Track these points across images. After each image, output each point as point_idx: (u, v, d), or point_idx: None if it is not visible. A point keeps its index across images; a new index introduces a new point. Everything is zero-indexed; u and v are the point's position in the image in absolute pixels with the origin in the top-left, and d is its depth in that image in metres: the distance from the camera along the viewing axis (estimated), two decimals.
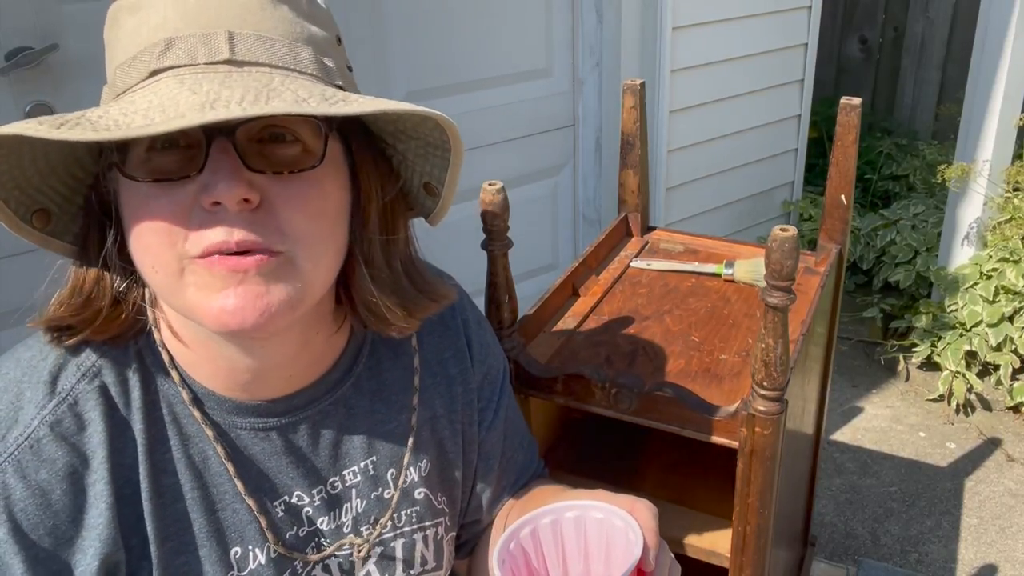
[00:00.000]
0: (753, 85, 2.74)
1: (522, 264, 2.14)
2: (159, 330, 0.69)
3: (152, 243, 0.59)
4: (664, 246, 1.44)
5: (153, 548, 0.67)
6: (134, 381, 0.68)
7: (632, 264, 1.38)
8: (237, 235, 0.58)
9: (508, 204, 1.03)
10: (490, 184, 1.00)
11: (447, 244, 2.02)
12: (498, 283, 1.08)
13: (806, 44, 2.85)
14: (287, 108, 0.54)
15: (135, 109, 0.55)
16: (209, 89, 0.55)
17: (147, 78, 0.58)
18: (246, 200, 0.58)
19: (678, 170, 2.63)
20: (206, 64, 0.58)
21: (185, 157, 0.59)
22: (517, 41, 2.24)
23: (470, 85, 2.18)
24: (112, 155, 0.60)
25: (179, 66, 0.58)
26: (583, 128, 2.46)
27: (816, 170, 3.62)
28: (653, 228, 1.49)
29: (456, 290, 0.83)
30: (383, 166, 0.71)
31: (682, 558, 1.15)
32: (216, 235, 0.58)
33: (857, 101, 1.25)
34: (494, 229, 1.04)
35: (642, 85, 1.33)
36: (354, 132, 0.67)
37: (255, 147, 0.60)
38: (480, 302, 1.01)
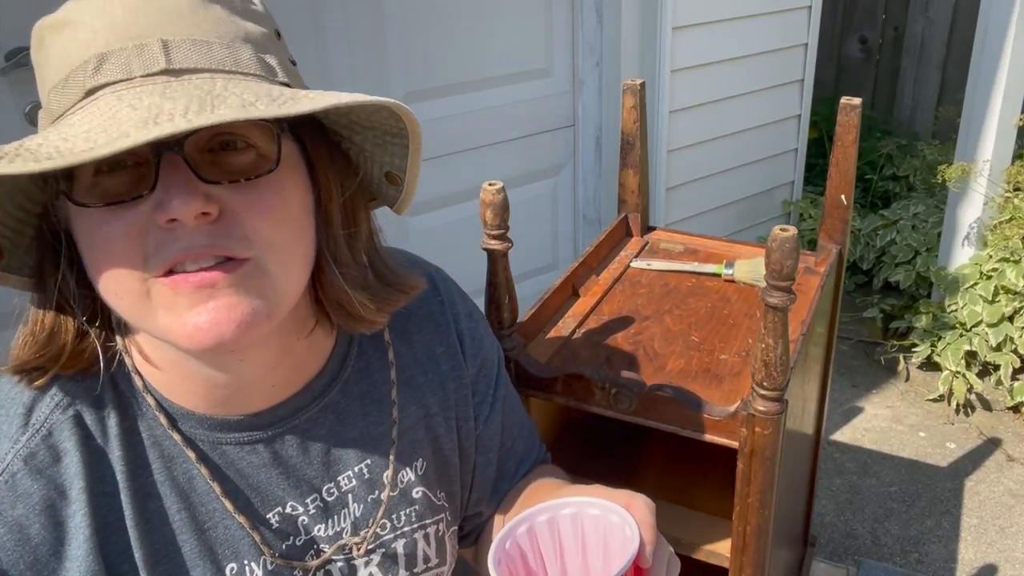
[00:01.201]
0: (753, 85, 2.74)
1: (522, 264, 2.14)
2: (130, 355, 0.67)
3: (112, 270, 0.57)
4: (664, 246, 1.44)
5: (144, 574, 0.66)
6: (109, 408, 0.66)
7: (632, 264, 1.38)
8: (198, 245, 0.56)
9: (508, 204, 1.03)
10: (490, 184, 1.00)
11: (447, 244, 2.02)
12: (498, 283, 1.07)
13: (806, 44, 2.85)
14: (234, 114, 0.51)
15: (75, 132, 0.52)
16: (150, 103, 0.52)
17: (83, 98, 0.56)
18: (204, 213, 0.56)
19: (678, 170, 2.63)
20: (143, 76, 0.55)
21: (135, 176, 0.57)
22: (517, 41, 2.24)
23: (470, 85, 2.18)
24: (59, 183, 0.58)
25: (115, 82, 0.55)
26: (583, 128, 2.46)
27: (816, 170, 3.62)
28: (653, 228, 1.49)
29: (426, 279, 0.80)
30: (340, 160, 0.68)
31: (682, 558, 1.15)
32: (175, 248, 0.56)
33: (857, 101, 1.25)
34: (494, 229, 1.04)
35: (642, 85, 1.33)
36: (307, 129, 0.65)
37: (207, 157, 0.58)
38: (480, 302, 1.01)
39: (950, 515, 2.19)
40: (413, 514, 0.81)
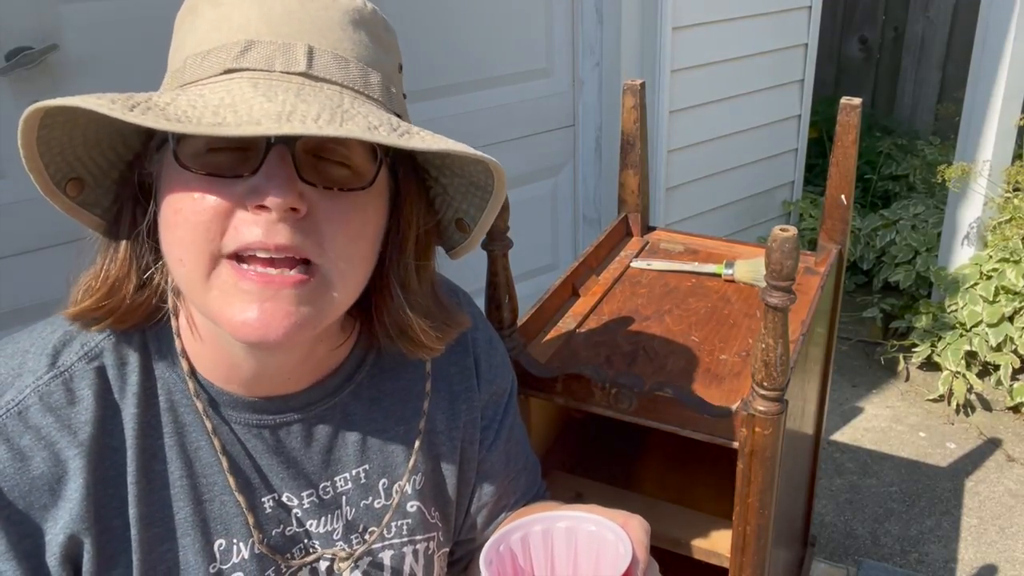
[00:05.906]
0: (753, 85, 2.74)
1: (522, 264, 2.14)
2: (177, 318, 0.70)
3: (185, 236, 0.60)
4: (664, 246, 1.44)
5: (134, 532, 0.68)
6: (133, 366, 0.69)
7: (632, 264, 1.38)
8: (278, 238, 0.59)
9: (508, 204, 1.03)
10: None
11: None
12: (498, 283, 1.07)
13: (806, 44, 2.85)
14: (361, 134, 0.55)
15: (205, 103, 0.56)
16: (285, 99, 0.56)
17: (220, 74, 0.60)
18: (294, 209, 0.58)
19: (678, 170, 2.63)
20: (281, 73, 0.60)
21: (240, 157, 0.60)
22: (517, 41, 2.24)
23: (470, 85, 2.18)
24: (171, 142, 0.61)
25: (254, 69, 0.59)
26: (583, 128, 2.46)
27: (816, 170, 3.62)
28: (653, 228, 1.49)
29: (470, 316, 0.83)
30: (424, 196, 0.72)
31: (682, 558, 1.15)
32: (255, 234, 0.58)
33: (857, 101, 1.25)
34: (494, 229, 1.04)
35: (642, 85, 1.33)
36: (402, 160, 0.69)
37: (310, 160, 0.61)
38: (480, 302, 1.01)
39: (950, 515, 2.19)
40: (405, 527, 0.81)
